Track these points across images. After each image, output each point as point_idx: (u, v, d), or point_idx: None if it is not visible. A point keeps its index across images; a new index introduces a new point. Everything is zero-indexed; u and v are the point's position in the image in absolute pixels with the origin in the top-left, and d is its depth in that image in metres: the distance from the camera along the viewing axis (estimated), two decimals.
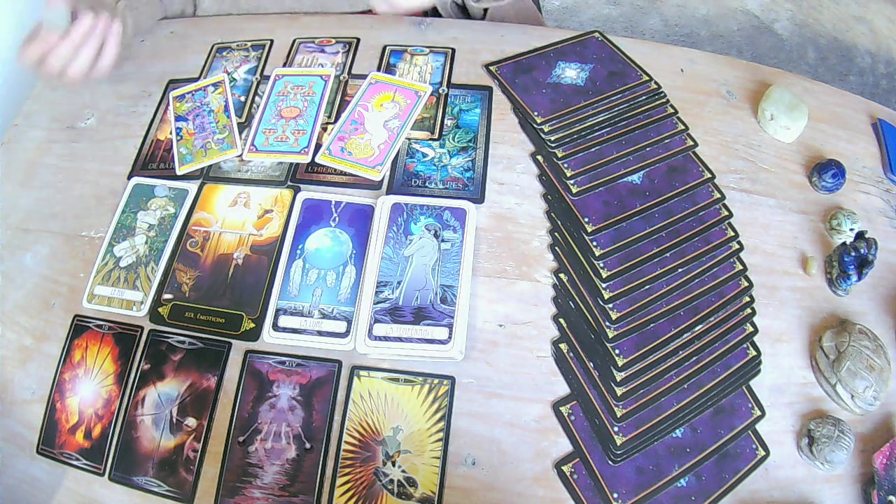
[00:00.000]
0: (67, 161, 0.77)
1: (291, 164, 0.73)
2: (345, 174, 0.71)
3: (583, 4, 2.06)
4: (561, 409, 0.59)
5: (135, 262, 0.68)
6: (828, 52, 1.97)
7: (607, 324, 0.60)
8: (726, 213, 0.68)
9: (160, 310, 0.65)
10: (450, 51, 0.82)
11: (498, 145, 0.73)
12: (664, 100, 0.75)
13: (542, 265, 0.66)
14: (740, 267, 0.65)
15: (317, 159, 0.72)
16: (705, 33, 2.00)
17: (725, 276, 0.64)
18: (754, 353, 0.61)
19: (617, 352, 0.59)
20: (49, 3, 0.67)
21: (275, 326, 0.63)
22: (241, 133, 0.76)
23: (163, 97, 0.81)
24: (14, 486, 0.61)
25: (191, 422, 0.60)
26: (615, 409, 0.57)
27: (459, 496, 0.56)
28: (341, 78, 0.80)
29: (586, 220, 0.66)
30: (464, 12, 0.92)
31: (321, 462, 0.57)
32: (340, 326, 0.62)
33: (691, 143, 0.73)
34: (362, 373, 0.60)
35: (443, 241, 0.66)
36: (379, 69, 0.80)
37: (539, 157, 0.72)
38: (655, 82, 0.76)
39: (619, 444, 0.56)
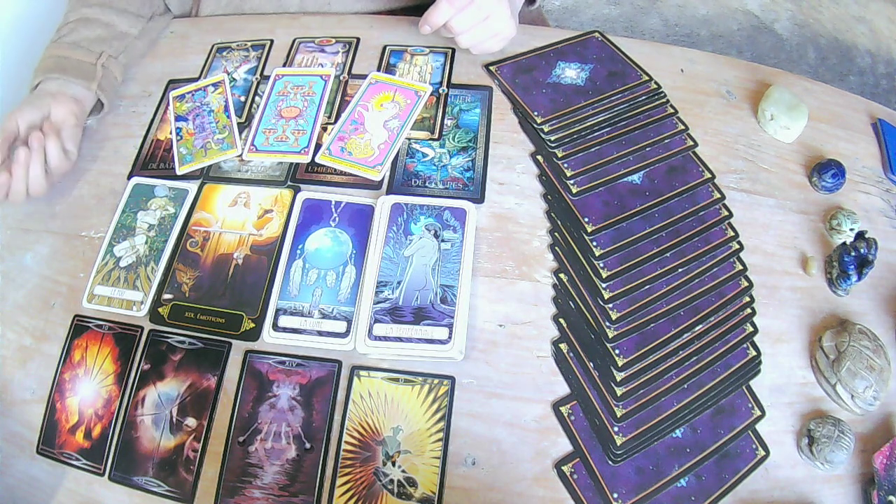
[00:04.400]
0: None
1: (291, 164, 0.73)
2: (345, 174, 0.71)
3: (583, 4, 2.06)
4: (561, 409, 0.59)
5: (135, 262, 0.68)
6: (828, 52, 1.97)
7: (607, 324, 0.60)
8: (726, 213, 0.68)
9: (160, 310, 0.65)
10: (450, 51, 0.82)
11: (498, 145, 0.73)
12: (664, 100, 0.75)
13: (542, 265, 0.66)
14: (740, 267, 0.65)
15: (317, 159, 0.72)
16: (705, 33, 2.00)
17: (725, 276, 0.64)
18: (754, 353, 0.61)
19: (617, 352, 0.59)
20: None
21: (275, 326, 0.63)
22: (241, 133, 0.76)
23: (163, 97, 0.81)
24: (14, 486, 0.61)
25: (191, 422, 0.60)
26: (615, 409, 0.57)
27: (459, 496, 0.56)
28: (341, 78, 0.80)
29: (586, 220, 0.66)
30: None
31: (321, 462, 0.57)
32: (340, 326, 0.62)
33: (691, 143, 0.73)
34: (362, 373, 0.60)
35: (443, 241, 0.66)
36: (379, 69, 0.80)
37: (539, 157, 0.72)
38: (655, 82, 0.76)
39: (619, 444, 0.56)
